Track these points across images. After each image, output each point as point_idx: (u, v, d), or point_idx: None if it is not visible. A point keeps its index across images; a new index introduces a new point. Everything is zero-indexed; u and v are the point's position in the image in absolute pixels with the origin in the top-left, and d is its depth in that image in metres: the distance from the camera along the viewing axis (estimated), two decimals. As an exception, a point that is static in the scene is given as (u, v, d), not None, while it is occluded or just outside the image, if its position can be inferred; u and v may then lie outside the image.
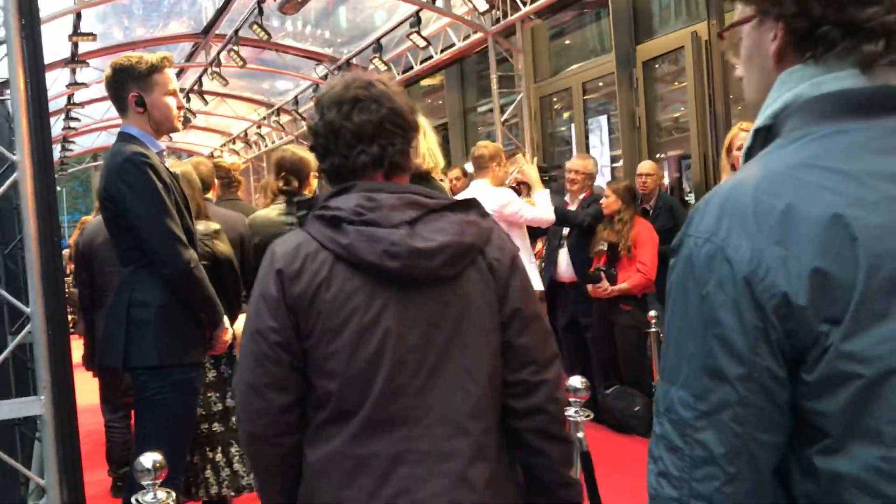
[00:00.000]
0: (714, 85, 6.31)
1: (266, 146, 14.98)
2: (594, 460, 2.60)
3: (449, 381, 1.64)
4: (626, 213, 5.27)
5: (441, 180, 3.17)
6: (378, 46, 9.07)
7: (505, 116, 8.22)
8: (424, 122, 3.33)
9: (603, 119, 8.06)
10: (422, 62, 9.40)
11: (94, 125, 14.05)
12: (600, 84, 7.99)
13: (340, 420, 1.66)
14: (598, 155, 7.49)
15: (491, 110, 8.68)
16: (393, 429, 1.64)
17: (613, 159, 7.89)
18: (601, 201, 5.37)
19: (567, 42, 8.82)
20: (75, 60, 7.99)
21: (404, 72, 9.73)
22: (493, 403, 1.70)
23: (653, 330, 4.72)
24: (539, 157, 7.99)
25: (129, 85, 2.96)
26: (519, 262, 1.77)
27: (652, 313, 4.80)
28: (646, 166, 5.90)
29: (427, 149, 3.03)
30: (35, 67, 2.74)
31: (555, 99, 8.72)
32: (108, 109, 13.75)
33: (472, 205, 1.78)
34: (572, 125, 8.34)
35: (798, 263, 0.89)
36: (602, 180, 6.91)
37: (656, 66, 7.21)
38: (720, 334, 0.92)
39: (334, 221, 1.68)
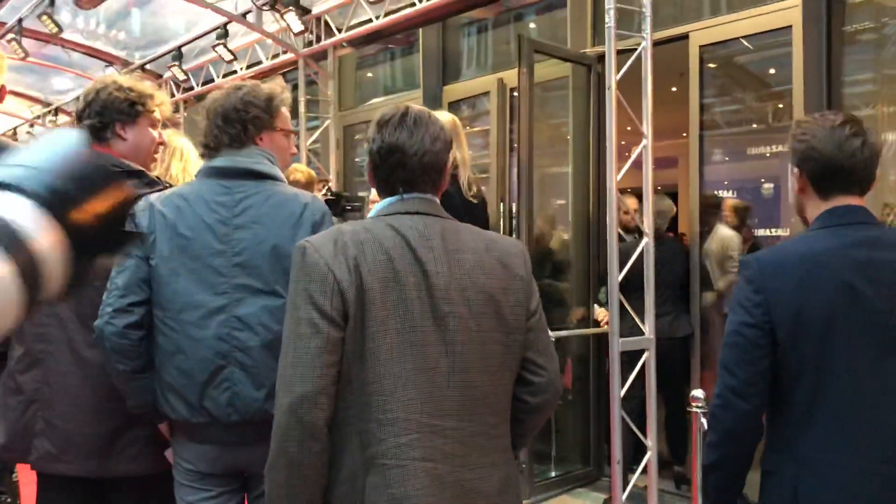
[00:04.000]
0: (518, 132, 6.55)
1: (38, 147, 13.78)
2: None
3: None
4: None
5: None
6: (178, 54, 8.67)
7: (310, 141, 8.10)
8: (183, 143, 3.23)
9: (405, 154, 8.12)
10: (224, 76, 9.07)
11: None
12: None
13: None
14: (399, 188, 7.51)
15: (297, 133, 8.51)
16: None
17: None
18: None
19: (374, 74, 8.86)
20: None
21: (204, 83, 9.36)
22: None
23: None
24: (340, 186, 7.93)
25: None
26: None
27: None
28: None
29: (182, 170, 3.14)
30: None
31: (358, 129, 8.71)
32: None
33: None
34: (375, 157, 8.32)
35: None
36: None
37: (462, 107, 7.41)
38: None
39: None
